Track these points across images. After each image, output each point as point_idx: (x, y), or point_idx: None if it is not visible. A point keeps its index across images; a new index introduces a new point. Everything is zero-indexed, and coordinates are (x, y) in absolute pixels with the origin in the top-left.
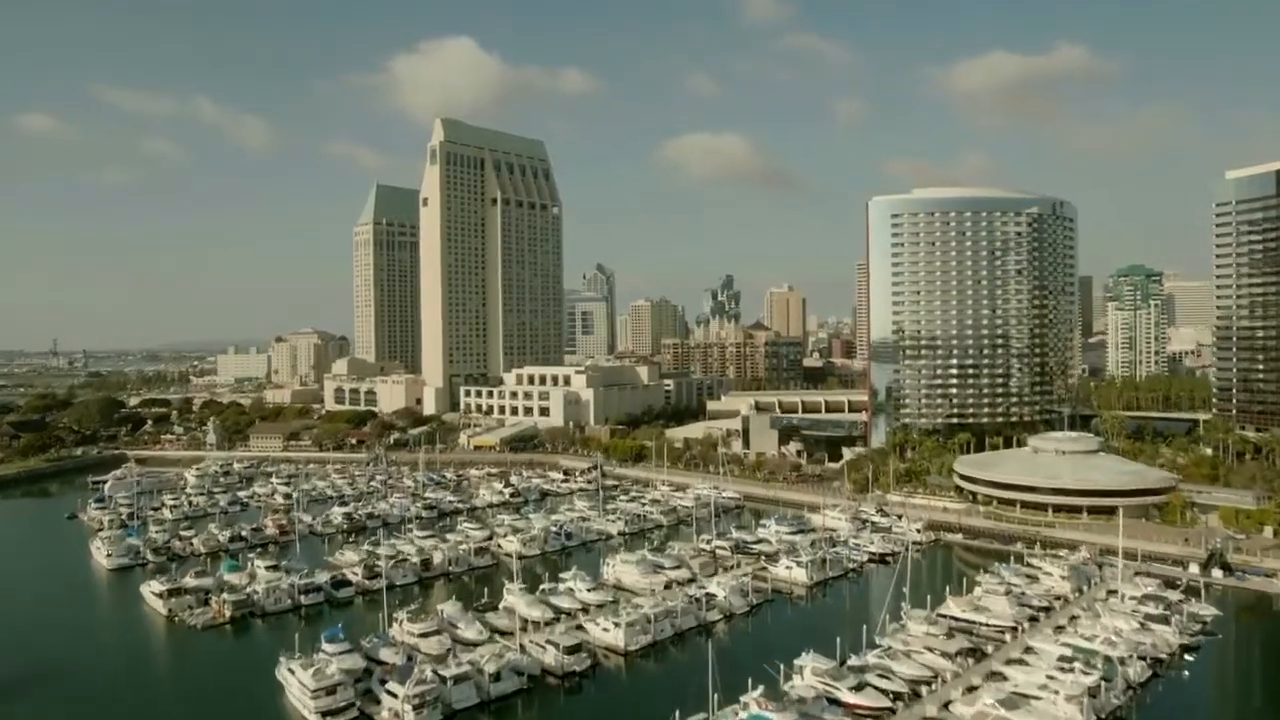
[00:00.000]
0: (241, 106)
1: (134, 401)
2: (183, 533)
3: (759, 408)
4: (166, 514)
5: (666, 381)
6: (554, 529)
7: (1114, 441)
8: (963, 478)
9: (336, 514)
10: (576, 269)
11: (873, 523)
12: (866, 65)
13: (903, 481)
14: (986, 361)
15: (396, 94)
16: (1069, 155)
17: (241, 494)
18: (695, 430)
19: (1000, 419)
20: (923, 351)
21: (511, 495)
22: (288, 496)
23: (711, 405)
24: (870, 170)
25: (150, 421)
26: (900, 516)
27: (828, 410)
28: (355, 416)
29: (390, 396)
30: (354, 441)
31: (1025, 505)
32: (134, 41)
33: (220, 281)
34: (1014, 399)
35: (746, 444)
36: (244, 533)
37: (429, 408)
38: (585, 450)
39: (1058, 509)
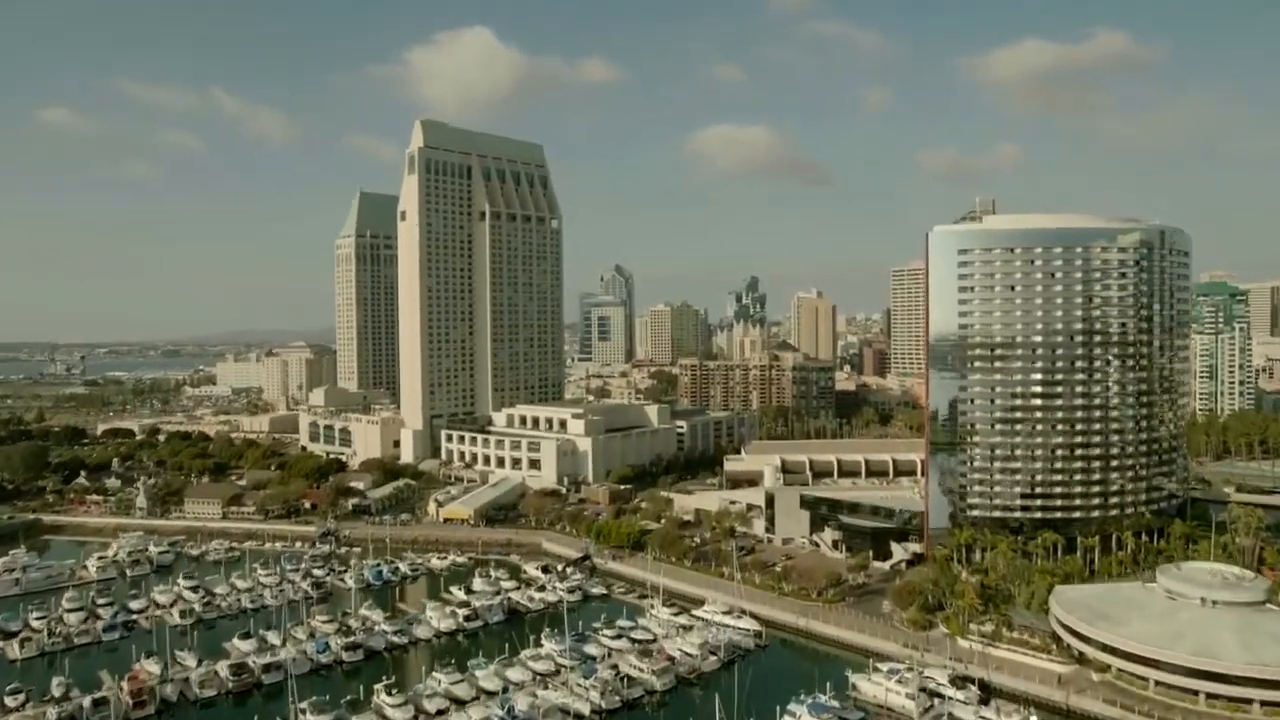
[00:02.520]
0: (260, 99)
1: (101, 429)
2: (7, 699)
3: (786, 469)
4: (15, 650)
5: (679, 424)
6: (499, 714)
7: (1247, 537)
8: (1068, 629)
9: (223, 668)
10: (594, 270)
11: (951, 712)
12: (896, 53)
13: (978, 614)
14: (1080, 439)
15: (414, 86)
16: (1106, 146)
17: (134, 606)
18: (709, 499)
19: (1097, 511)
20: (997, 425)
21: (467, 618)
22: (185, 613)
23: (730, 464)
24: (900, 162)
25: (84, 473)
26: (986, 700)
27: (869, 472)
28: (319, 467)
29: (365, 438)
30: (308, 505)
31: (1163, 683)
32: (151, 35)
33: (245, 274)
34: (1115, 486)
35: (771, 525)
36: (84, 705)
37: (406, 453)
38: (574, 529)
39: (1214, 695)
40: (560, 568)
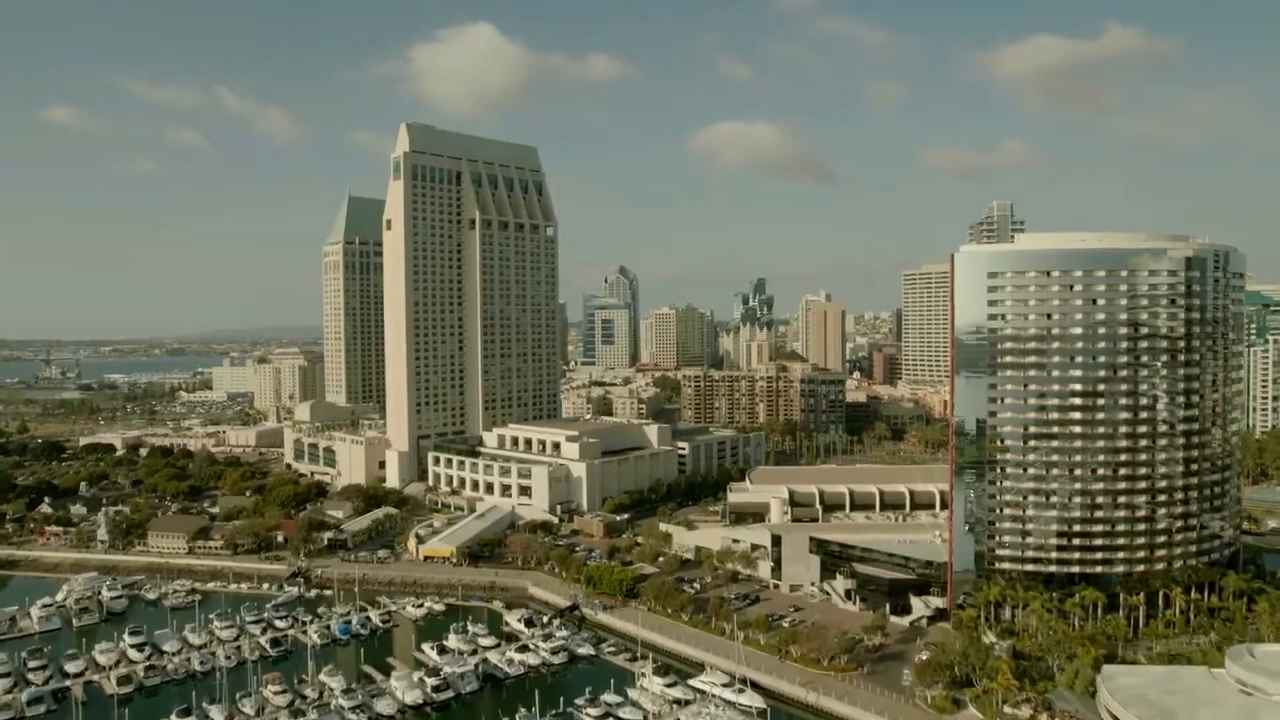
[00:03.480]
0: (263, 98)
1: (83, 442)
2: None
3: (794, 501)
4: None
5: (681, 445)
6: None
7: None
8: None
9: None
10: (598, 271)
11: None
12: (904, 49)
13: (1014, 694)
14: (1124, 484)
15: (417, 83)
16: (1119, 143)
17: (71, 668)
18: (711, 536)
19: (1142, 552)
20: (1029, 467)
21: (437, 688)
22: (125, 679)
23: (734, 495)
24: (908, 159)
25: (48, 499)
26: None
27: (884, 504)
28: (296, 495)
29: (349, 459)
30: (281, 539)
31: None
32: (153, 32)
33: (253, 271)
34: (1162, 525)
35: (777, 567)
36: None
37: (391, 476)
38: (563, 571)
39: None
40: (546, 619)
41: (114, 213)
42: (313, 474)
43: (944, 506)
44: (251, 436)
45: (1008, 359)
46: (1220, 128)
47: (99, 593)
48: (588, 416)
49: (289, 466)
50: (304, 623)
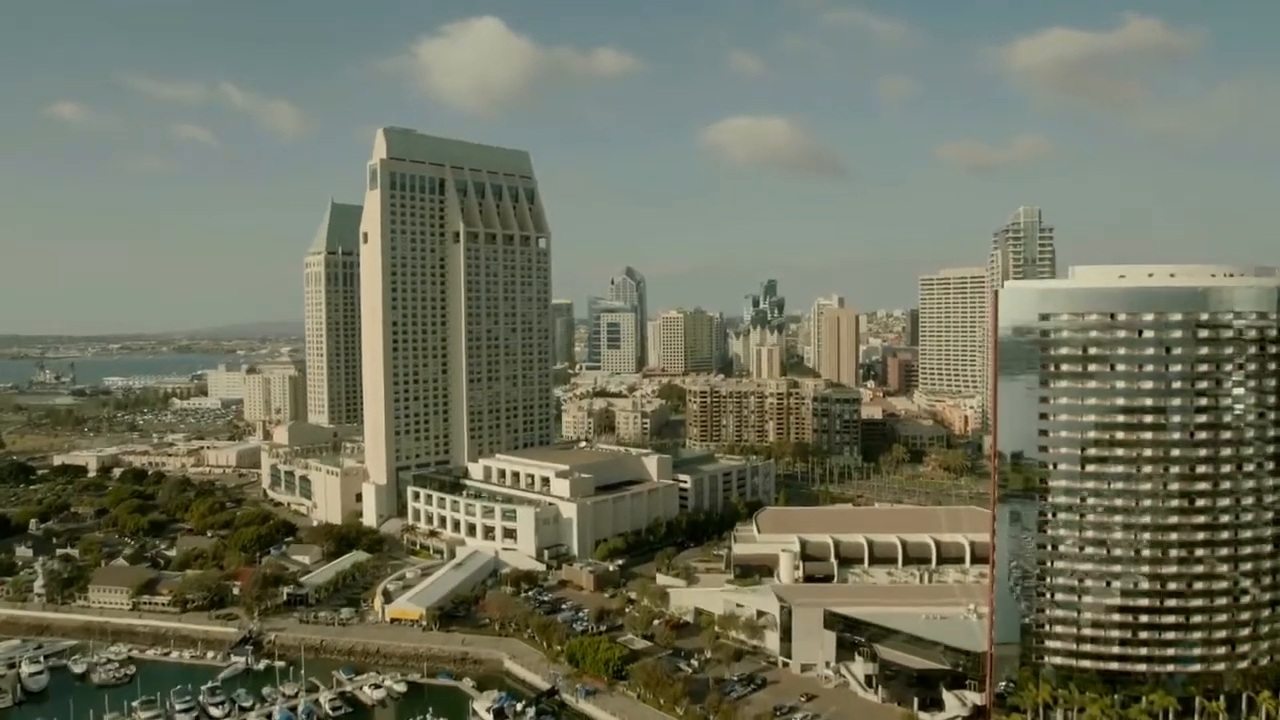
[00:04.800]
0: (269, 94)
1: (57, 460)
2: None
3: (806, 554)
4: None
5: (683, 479)
6: None
7: None
8: None
9: None
10: (604, 273)
11: None
12: (917, 42)
13: None
14: (1201, 566)
15: (423, 79)
16: (1138, 137)
17: None
18: (712, 597)
19: (1222, 661)
20: (1087, 547)
21: None
22: None
23: (739, 545)
24: (921, 154)
25: None
26: None
27: (907, 556)
28: (260, 537)
29: (325, 491)
30: (235, 591)
31: None
32: (158, 29)
33: (262, 266)
34: (1245, 630)
35: (787, 640)
36: None
37: (368, 512)
38: (544, 641)
39: None
40: (520, 707)
41: (126, 208)
42: (290, 504)
43: (975, 560)
44: (232, 456)
45: (1062, 545)
46: (1244, 121)
47: (18, 665)
48: (583, 443)
49: (266, 494)
50: (243, 709)
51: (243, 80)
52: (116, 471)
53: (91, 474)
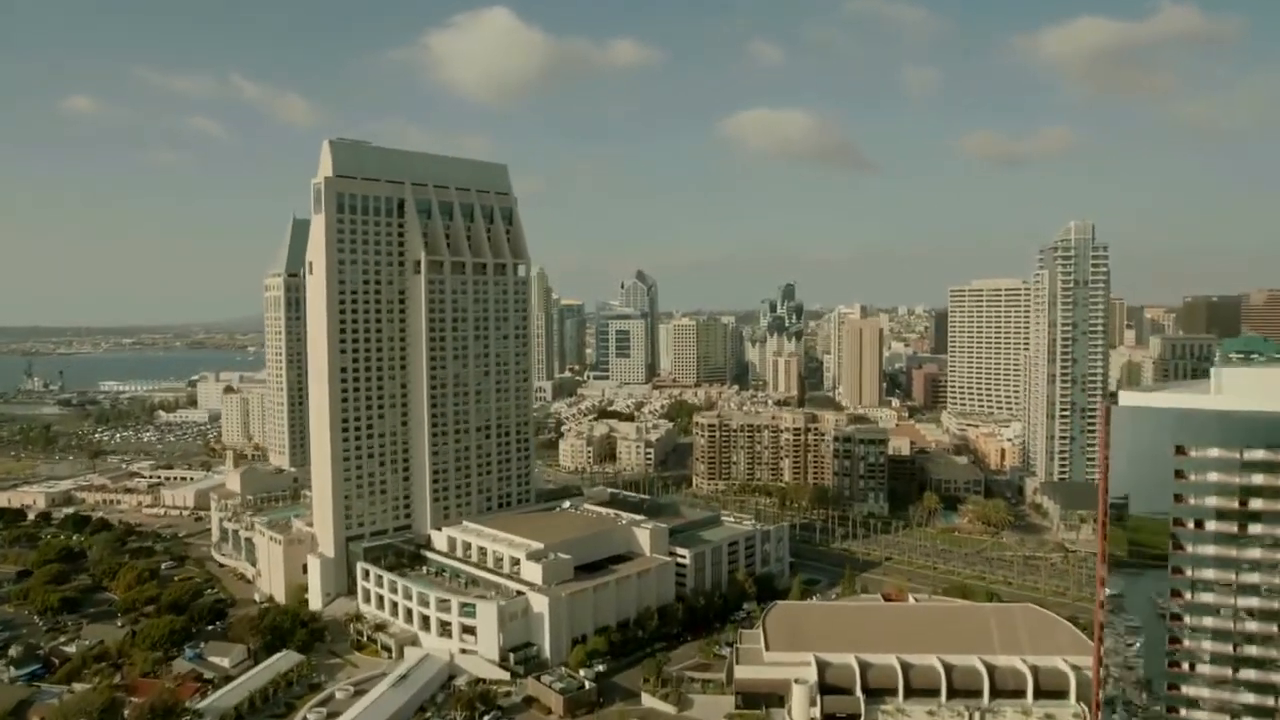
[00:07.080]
0: (280, 86)
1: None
2: None
3: (826, 684)
4: None
5: (681, 554)
6: None
7: None
8: None
9: None
10: (615, 275)
11: None
12: (942, 31)
13: None
14: None
15: (436, 70)
16: (1170, 128)
17: None
18: None
19: None
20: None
21: None
22: None
23: (744, 665)
24: (944, 146)
25: None
26: None
27: (952, 689)
28: (175, 631)
29: (269, 559)
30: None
31: None
32: (168, 21)
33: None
34: None
35: None
36: None
37: (314, 592)
38: None
39: None
40: None
41: (137, 200)
42: (236, 569)
43: (1040, 694)
44: (190, 497)
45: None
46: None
47: None
48: (567, 505)
49: (212, 554)
50: None
51: (252, 72)
52: (66, 511)
53: (31, 517)
